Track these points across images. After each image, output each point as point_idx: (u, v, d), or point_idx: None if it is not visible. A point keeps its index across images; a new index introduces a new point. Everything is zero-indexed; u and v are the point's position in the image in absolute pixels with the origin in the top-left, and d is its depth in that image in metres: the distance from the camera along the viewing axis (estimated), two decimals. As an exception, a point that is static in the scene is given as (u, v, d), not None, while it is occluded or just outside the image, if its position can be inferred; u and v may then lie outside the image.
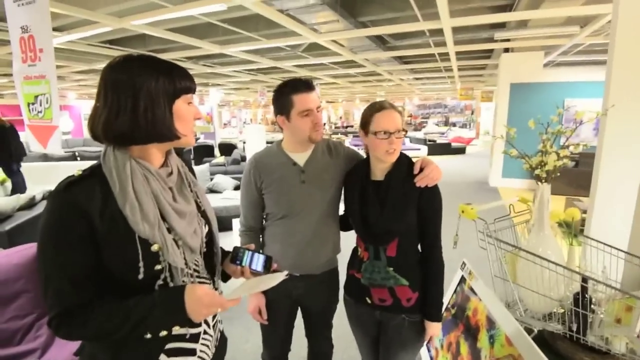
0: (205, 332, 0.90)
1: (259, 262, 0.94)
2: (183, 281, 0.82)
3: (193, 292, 0.77)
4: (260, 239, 1.48)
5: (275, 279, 0.87)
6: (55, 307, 0.72)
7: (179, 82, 0.79)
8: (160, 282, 0.79)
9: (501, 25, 4.90)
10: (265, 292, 1.44)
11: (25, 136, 2.23)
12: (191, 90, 0.82)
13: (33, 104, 1.99)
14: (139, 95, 0.74)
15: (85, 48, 5.37)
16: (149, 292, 0.77)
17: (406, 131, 1.21)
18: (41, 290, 0.74)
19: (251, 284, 0.90)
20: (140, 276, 0.76)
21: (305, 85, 1.29)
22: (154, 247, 0.76)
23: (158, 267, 0.78)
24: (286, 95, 1.30)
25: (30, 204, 3.74)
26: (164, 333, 0.78)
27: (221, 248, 1.03)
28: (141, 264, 0.75)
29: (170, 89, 0.78)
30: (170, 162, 0.87)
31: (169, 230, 0.80)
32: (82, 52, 5.84)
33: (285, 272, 0.91)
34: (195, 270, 0.88)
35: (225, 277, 1.03)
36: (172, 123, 0.79)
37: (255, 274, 0.95)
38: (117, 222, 0.74)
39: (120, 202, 0.74)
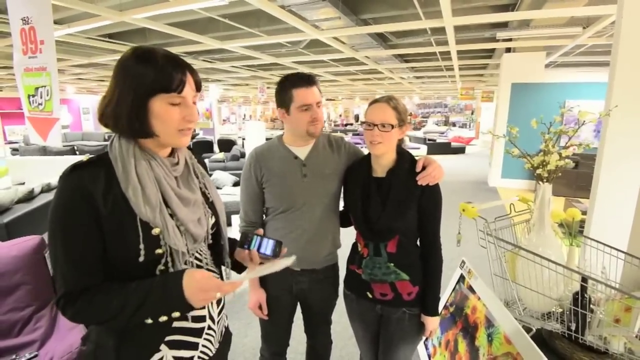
0: (209, 327, 0.90)
1: (268, 246, 0.91)
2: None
3: (192, 275, 0.77)
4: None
5: (282, 264, 0.84)
6: (62, 287, 0.75)
7: (155, 80, 0.74)
8: (161, 266, 0.80)
9: (503, 25, 4.89)
10: (266, 288, 1.44)
11: (26, 129, 2.22)
12: (169, 89, 0.75)
13: (33, 96, 1.97)
14: (116, 88, 0.76)
15: (85, 41, 5.33)
16: (151, 276, 0.78)
17: (392, 126, 1.20)
18: (52, 271, 0.77)
19: (257, 269, 0.87)
20: (141, 259, 0.76)
21: (305, 80, 1.29)
22: (155, 231, 0.77)
23: (159, 250, 0.78)
24: (287, 89, 1.30)
25: (29, 196, 3.73)
26: (164, 318, 0.78)
27: (232, 239, 1.03)
28: (142, 246, 0.76)
29: (142, 87, 0.74)
30: (177, 154, 0.88)
31: (172, 216, 0.81)
32: (81, 46, 5.80)
33: (293, 257, 0.86)
34: (197, 259, 0.88)
35: (240, 269, 1.01)
36: (141, 121, 0.76)
37: (264, 258, 0.91)
38: (119, 204, 0.75)
39: (123, 184, 0.76)
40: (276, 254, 0.91)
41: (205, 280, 0.77)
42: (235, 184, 5.40)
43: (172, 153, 0.88)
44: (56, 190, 0.76)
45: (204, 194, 0.93)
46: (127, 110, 0.76)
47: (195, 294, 0.75)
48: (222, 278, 0.97)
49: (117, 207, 0.75)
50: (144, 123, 0.76)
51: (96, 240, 0.75)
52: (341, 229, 1.50)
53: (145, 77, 0.74)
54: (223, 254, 0.98)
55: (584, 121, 1.19)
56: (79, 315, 0.76)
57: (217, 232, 0.96)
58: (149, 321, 0.78)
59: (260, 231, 0.96)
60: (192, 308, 0.77)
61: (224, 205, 1.00)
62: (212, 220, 0.94)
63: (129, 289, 0.75)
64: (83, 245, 0.74)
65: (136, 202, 0.75)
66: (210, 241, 0.94)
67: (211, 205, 0.95)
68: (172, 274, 0.79)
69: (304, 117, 1.31)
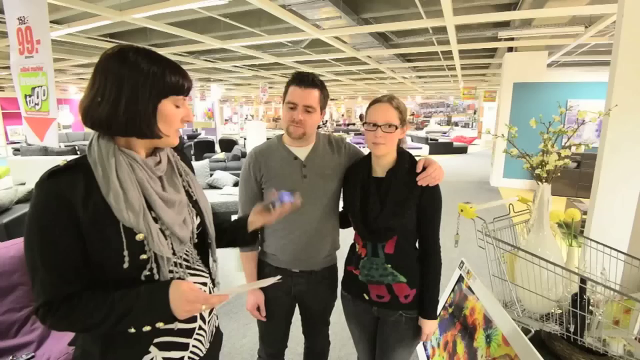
0: (200, 328, 0.89)
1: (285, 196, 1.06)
2: (171, 271, 0.81)
3: (178, 287, 0.76)
4: (259, 235, 1.47)
5: (267, 281, 0.89)
6: (41, 297, 0.72)
7: (169, 82, 0.77)
8: (146, 272, 0.78)
9: (505, 24, 4.87)
10: (264, 289, 1.44)
11: (23, 129, 2.23)
12: (183, 91, 0.80)
13: (30, 96, 1.98)
14: (123, 87, 0.73)
15: (86, 41, 5.36)
16: (136, 282, 0.77)
17: (396, 127, 1.19)
18: (29, 279, 0.74)
19: (244, 285, 0.94)
20: (125, 265, 0.75)
21: (300, 80, 1.28)
22: (139, 237, 0.75)
23: (143, 256, 0.77)
24: (287, 85, 1.31)
25: (29, 197, 3.74)
26: (147, 328, 0.77)
27: (227, 224, 1.06)
28: (126, 253, 0.74)
29: (158, 87, 0.76)
30: (159, 152, 0.86)
31: (156, 219, 0.79)
32: (82, 46, 5.83)
33: (278, 277, 0.92)
34: (185, 260, 0.87)
35: (253, 239, 1.11)
36: (153, 121, 0.77)
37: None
38: (100, 211, 0.73)
39: (103, 190, 0.73)
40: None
41: (192, 292, 0.76)
42: (236, 184, 5.40)
43: (154, 152, 0.86)
44: (32, 198, 0.73)
45: (187, 193, 0.92)
46: (145, 111, 0.75)
47: (181, 306, 0.74)
48: (210, 277, 0.96)
49: (98, 214, 0.73)
50: (154, 124, 0.77)
51: (76, 247, 0.73)
52: (341, 230, 1.49)
53: (162, 77, 0.75)
54: (211, 253, 0.97)
55: (583, 120, 1.18)
56: (59, 325, 0.74)
57: (203, 231, 0.95)
58: (132, 330, 0.77)
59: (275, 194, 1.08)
60: (177, 319, 0.76)
61: (209, 204, 0.99)
62: (197, 220, 0.93)
63: (113, 299, 0.73)
64: (63, 253, 0.72)
65: (118, 208, 0.73)
66: (196, 240, 0.92)
67: (195, 203, 0.94)
68: (158, 285, 0.77)
69: (287, 115, 1.31)
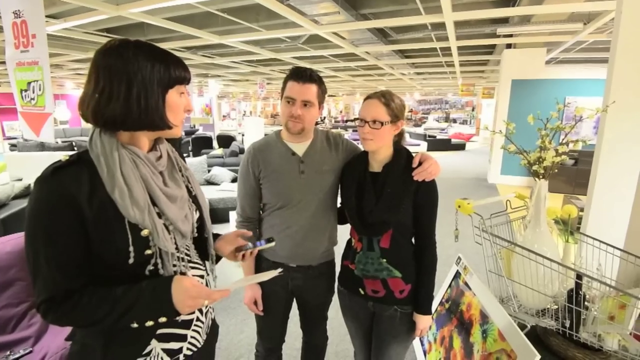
0: (197, 319, 0.90)
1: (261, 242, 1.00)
2: (174, 265, 0.82)
3: (180, 283, 0.76)
4: (257, 230, 1.47)
5: (268, 275, 0.89)
6: (43, 293, 0.72)
7: (174, 71, 0.78)
8: (150, 267, 0.78)
9: (504, 21, 4.86)
10: (261, 284, 1.44)
11: (19, 124, 2.21)
12: (185, 80, 0.81)
13: (26, 90, 1.96)
14: (132, 82, 0.73)
15: (83, 36, 5.31)
16: (140, 277, 0.77)
17: (382, 123, 1.19)
18: (30, 275, 0.73)
19: (245, 278, 0.93)
20: (131, 261, 0.75)
21: (298, 75, 1.28)
22: (144, 232, 0.76)
23: (148, 252, 0.77)
24: (285, 80, 1.32)
25: (26, 192, 3.73)
26: (150, 323, 0.78)
27: (215, 234, 1.03)
28: (131, 248, 0.75)
29: (164, 78, 0.76)
30: (159, 147, 0.86)
31: (160, 215, 0.80)
32: (79, 40, 5.77)
33: (279, 270, 0.92)
34: (186, 254, 0.88)
35: (217, 259, 1.05)
36: (164, 112, 0.78)
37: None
38: (106, 207, 0.73)
39: (108, 187, 0.73)
40: (269, 241, 1.00)
41: (195, 288, 0.77)
42: (234, 180, 5.39)
43: (154, 147, 0.86)
44: (34, 194, 0.72)
45: (186, 188, 0.92)
46: (156, 103, 0.76)
47: (184, 302, 0.75)
48: (206, 272, 0.97)
49: (103, 210, 0.73)
50: (165, 115, 0.78)
51: (80, 244, 0.73)
52: (339, 226, 1.49)
53: (168, 68, 0.76)
54: (207, 247, 0.98)
55: (581, 117, 1.18)
56: (62, 319, 0.74)
57: (200, 225, 0.96)
58: (135, 325, 0.77)
59: (249, 233, 1.05)
60: (179, 314, 0.77)
61: (206, 199, 1.00)
62: (196, 215, 0.93)
63: (116, 295, 0.73)
64: (66, 251, 0.72)
65: (123, 204, 0.73)
66: (195, 234, 0.93)
67: (194, 198, 0.94)
68: (161, 281, 0.78)
69: (285, 110, 1.31)
